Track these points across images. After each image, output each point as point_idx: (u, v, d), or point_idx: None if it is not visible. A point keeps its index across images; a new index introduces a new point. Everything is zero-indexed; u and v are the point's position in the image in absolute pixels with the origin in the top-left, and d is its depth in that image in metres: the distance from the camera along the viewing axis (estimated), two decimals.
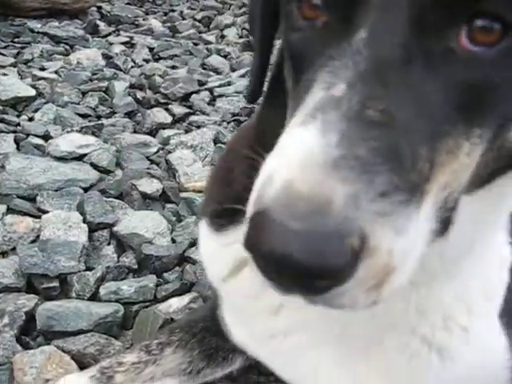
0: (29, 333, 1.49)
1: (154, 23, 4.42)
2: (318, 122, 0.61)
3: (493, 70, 0.66)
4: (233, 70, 3.55)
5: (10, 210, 1.89)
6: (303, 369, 1.08)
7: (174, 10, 4.85)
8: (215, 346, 1.32)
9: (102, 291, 1.59)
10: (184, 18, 4.64)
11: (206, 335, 1.32)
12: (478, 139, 0.68)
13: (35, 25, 3.84)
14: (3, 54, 3.28)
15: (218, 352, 1.33)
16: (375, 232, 0.57)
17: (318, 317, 1.00)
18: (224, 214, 1.05)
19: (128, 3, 4.87)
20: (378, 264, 0.58)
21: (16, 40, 3.56)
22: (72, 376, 1.23)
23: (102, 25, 4.13)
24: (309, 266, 0.55)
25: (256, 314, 1.08)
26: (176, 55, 3.70)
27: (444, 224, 0.70)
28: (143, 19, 4.53)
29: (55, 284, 1.61)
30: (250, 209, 0.62)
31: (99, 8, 4.51)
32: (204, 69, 3.52)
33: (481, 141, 0.68)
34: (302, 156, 0.59)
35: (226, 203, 1.04)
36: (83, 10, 4.28)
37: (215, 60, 3.60)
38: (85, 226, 1.80)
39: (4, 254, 1.73)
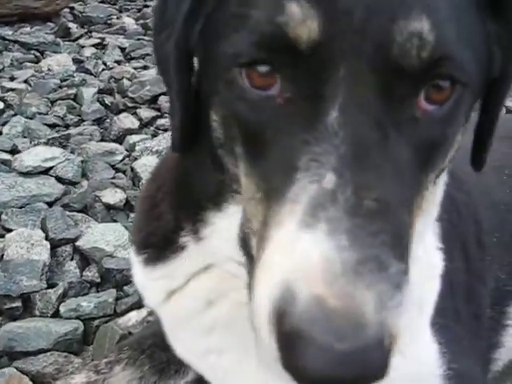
0: None
1: (128, 21, 4.41)
2: (322, 224, 0.60)
3: (445, 124, 0.72)
4: None
5: None
6: None
7: (147, 6, 4.82)
8: (166, 360, 1.37)
9: (62, 309, 1.64)
10: None
11: (156, 350, 1.37)
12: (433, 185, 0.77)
13: (6, 32, 3.85)
14: None
15: (169, 366, 1.38)
16: (398, 324, 0.60)
17: (247, 336, 1.04)
18: (151, 247, 1.09)
19: (102, 1, 4.86)
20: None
21: None
22: None
23: (74, 27, 4.13)
24: (356, 379, 0.58)
25: (190, 334, 1.13)
26: (148, 54, 3.70)
27: None
28: (117, 18, 4.51)
29: (18, 304, 1.65)
30: (270, 325, 0.61)
31: (72, 9, 4.50)
32: None
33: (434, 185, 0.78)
34: (320, 266, 0.58)
35: (153, 238, 1.09)
36: (55, 12, 4.27)
37: None
38: (47, 243, 1.84)
39: None
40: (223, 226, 0.93)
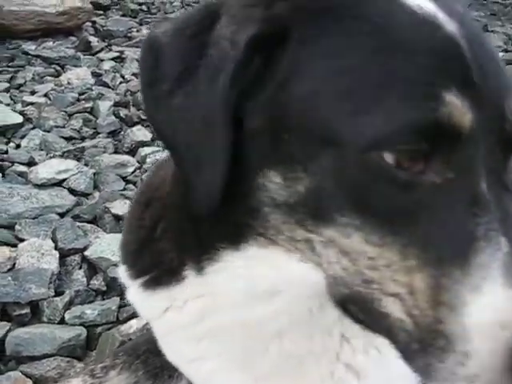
0: (2, 358, 1.64)
1: (147, 34, 4.52)
2: None
3: None
4: None
5: None
6: None
7: (167, 19, 4.94)
8: (160, 366, 1.43)
9: (67, 316, 1.73)
10: None
11: (150, 356, 1.43)
12: None
13: (30, 47, 3.99)
14: None
15: (163, 371, 1.44)
16: None
17: (231, 347, 1.10)
18: (149, 275, 1.10)
19: (123, 15, 5.00)
20: None
21: (10, 64, 3.71)
22: None
23: (95, 41, 4.26)
24: None
25: (180, 342, 1.19)
26: None
27: None
28: (137, 30, 4.63)
29: (26, 311, 1.75)
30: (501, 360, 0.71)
31: (93, 23, 4.64)
32: None
33: None
34: None
35: (152, 268, 1.10)
36: (77, 26, 4.41)
37: None
38: (56, 252, 1.94)
39: None
40: (237, 264, 0.95)
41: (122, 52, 4.02)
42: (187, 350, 1.18)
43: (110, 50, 4.12)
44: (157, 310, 1.14)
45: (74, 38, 4.29)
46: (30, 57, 3.81)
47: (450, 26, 0.80)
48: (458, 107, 0.74)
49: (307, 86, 0.80)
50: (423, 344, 0.75)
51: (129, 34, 4.49)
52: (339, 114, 0.77)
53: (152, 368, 1.44)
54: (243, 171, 0.85)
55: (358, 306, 0.83)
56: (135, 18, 4.97)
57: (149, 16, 5.04)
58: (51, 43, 4.08)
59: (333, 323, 0.99)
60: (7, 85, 3.39)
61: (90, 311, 1.73)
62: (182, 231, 1.03)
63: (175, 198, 1.03)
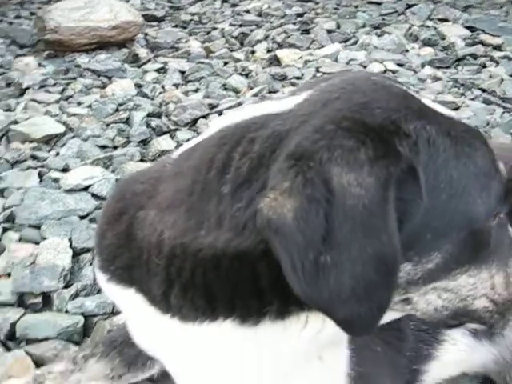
0: (13, 339, 1.94)
1: (193, 44, 4.79)
2: None
3: None
4: (250, 88, 3.86)
5: (21, 240, 2.38)
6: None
7: (215, 28, 5.20)
8: (134, 355, 1.62)
9: (70, 306, 2.00)
10: (223, 36, 4.99)
11: (125, 347, 1.63)
12: None
13: (83, 59, 4.36)
14: (50, 92, 3.82)
15: (137, 359, 1.63)
16: None
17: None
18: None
19: (175, 26, 5.31)
20: None
21: (64, 77, 4.09)
22: (12, 380, 1.63)
23: (143, 52, 4.58)
24: None
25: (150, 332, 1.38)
26: (203, 77, 4.06)
27: None
28: (185, 41, 4.93)
29: (38, 300, 2.04)
30: None
31: (146, 35, 4.98)
32: (225, 89, 3.87)
33: None
34: None
35: (129, 263, 1.17)
36: (129, 39, 4.75)
37: (234, 80, 3.93)
38: (70, 250, 2.23)
39: (8, 275, 2.19)
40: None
41: (166, 63, 4.31)
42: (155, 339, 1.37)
43: (156, 61, 4.43)
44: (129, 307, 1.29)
45: (125, 50, 4.64)
46: (81, 69, 4.18)
47: None
48: None
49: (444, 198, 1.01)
50: (502, 314, 1.16)
51: (176, 45, 4.78)
52: (472, 206, 1.03)
53: (127, 357, 1.64)
54: None
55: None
56: (185, 28, 5.26)
57: (199, 26, 5.31)
58: (103, 56, 4.44)
59: None
60: (58, 96, 3.76)
61: (90, 303, 2.00)
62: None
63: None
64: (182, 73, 4.17)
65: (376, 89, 1.05)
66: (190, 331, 1.08)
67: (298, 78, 3.93)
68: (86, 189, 2.66)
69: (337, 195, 0.84)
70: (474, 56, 4.32)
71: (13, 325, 1.93)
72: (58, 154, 3.05)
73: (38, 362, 1.80)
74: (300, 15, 5.48)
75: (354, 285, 0.85)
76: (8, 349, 1.89)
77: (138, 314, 1.25)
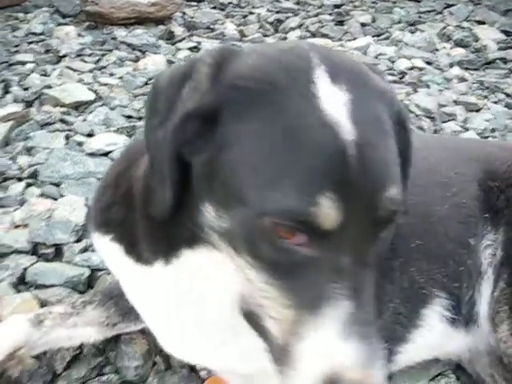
0: (23, 283, 2.09)
1: (229, 27, 4.91)
2: (355, 337, 0.96)
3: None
4: None
5: (42, 195, 2.54)
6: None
7: (252, 13, 5.31)
8: (128, 308, 1.68)
9: (78, 258, 2.15)
10: (259, 21, 5.08)
11: (120, 300, 1.73)
12: None
13: (121, 33, 4.52)
14: (85, 61, 3.98)
15: (131, 312, 1.73)
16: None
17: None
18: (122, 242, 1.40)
19: (213, 7, 5.43)
20: None
21: (100, 48, 4.25)
22: (17, 316, 1.77)
23: (179, 31, 4.71)
24: None
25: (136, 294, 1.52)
26: None
27: None
28: (221, 23, 5.04)
29: (51, 250, 2.20)
30: None
31: (184, 14, 5.10)
32: None
33: None
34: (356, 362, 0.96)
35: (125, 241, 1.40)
36: (167, 16, 4.89)
37: None
38: (85, 209, 2.38)
39: (25, 226, 2.35)
40: (194, 261, 1.26)
41: (199, 43, 4.44)
42: (140, 301, 1.51)
43: (190, 40, 4.55)
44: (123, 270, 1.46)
45: (162, 27, 4.78)
46: (117, 42, 4.33)
47: (346, 132, 0.96)
48: (326, 210, 0.94)
49: (232, 156, 1.01)
50: (282, 355, 1.03)
51: (211, 26, 4.90)
52: (249, 184, 0.99)
53: (122, 308, 1.76)
54: (193, 196, 1.12)
55: (253, 320, 1.14)
56: (223, 10, 5.37)
57: (236, 10, 5.43)
58: (140, 31, 4.58)
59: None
60: (93, 66, 3.92)
61: (96, 258, 2.13)
62: (152, 226, 1.28)
63: (145, 194, 1.27)
64: None
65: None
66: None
67: None
68: (106, 154, 2.81)
69: None
70: (504, 60, 4.34)
71: (24, 270, 2.09)
72: (85, 119, 3.20)
73: (43, 305, 1.95)
74: (337, 6, 5.53)
75: None
76: (18, 291, 2.04)
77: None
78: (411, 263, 1.67)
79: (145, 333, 1.82)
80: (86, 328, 1.77)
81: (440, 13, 5.49)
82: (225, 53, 1.10)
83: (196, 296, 1.31)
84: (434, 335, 1.73)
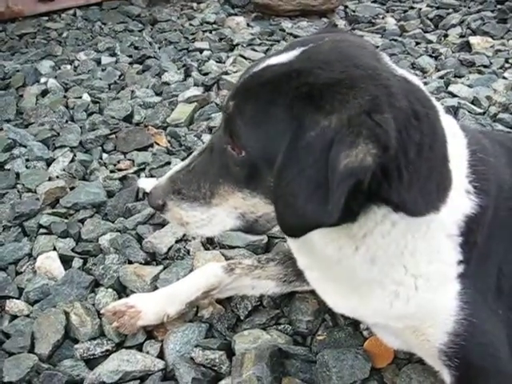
0: (212, 243, 2.47)
1: (389, 21, 5.06)
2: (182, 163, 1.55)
3: (237, 164, 1.41)
4: (437, 70, 4.07)
5: None
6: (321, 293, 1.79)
7: (413, 8, 5.40)
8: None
9: None
10: (419, 17, 5.18)
11: None
12: (249, 194, 1.40)
13: (287, 25, 4.85)
14: (256, 51, 4.35)
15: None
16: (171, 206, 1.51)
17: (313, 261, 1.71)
18: None
19: (374, 1, 5.59)
20: (173, 217, 1.50)
21: (269, 38, 4.60)
22: (212, 263, 2.14)
23: (342, 24, 4.95)
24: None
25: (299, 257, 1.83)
26: (394, 54, 4.33)
27: (252, 227, 1.53)
28: (382, 17, 5.20)
29: None
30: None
31: (346, 7, 5.33)
32: (413, 68, 4.12)
33: (252, 195, 1.40)
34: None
35: None
36: (330, 10, 5.15)
37: (423, 60, 4.15)
38: None
39: None
40: None
41: (361, 36, 4.64)
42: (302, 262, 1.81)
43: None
44: None
45: (325, 20, 5.04)
46: (285, 33, 4.66)
47: (255, 69, 1.37)
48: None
49: None
50: None
51: (373, 20, 5.08)
52: None
53: (298, 269, 2.06)
54: None
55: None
56: (384, 4, 5.52)
57: (397, 4, 5.54)
58: (305, 23, 4.88)
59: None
60: (262, 55, 4.27)
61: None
62: None
63: None
64: (375, 48, 4.44)
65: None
66: None
67: (485, 67, 4.05)
68: None
69: None
70: None
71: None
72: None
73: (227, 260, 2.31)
74: (500, 3, 5.45)
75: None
76: (207, 249, 2.42)
77: None
78: None
79: (316, 294, 2.10)
80: (267, 281, 2.09)
81: None
82: None
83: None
84: None
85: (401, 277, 1.50)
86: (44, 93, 3.82)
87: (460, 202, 1.46)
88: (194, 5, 5.73)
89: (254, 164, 1.33)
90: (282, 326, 2.05)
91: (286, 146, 1.24)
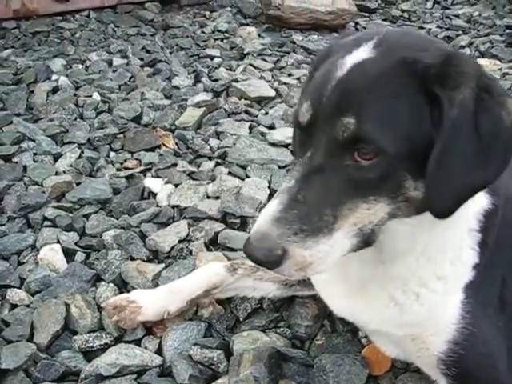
0: (214, 244, 2.49)
1: None
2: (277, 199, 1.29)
3: (369, 171, 1.32)
4: None
5: (230, 173, 2.94)
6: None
7: (423, 28, 5.45)
8: None
9: None
10: None
11: None
12: (375, 200, 1.30)
13: (298, 37, 4.90)
14: (266, 61, 4.40)
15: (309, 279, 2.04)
16: (293, 250, 1.25)
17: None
18: None
19: (385, 19, 5.65)
20: (294, 264, 1.27)
21: (279, 49, 4.65)
22: (214, 263, 2.16)
23: None
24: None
25: None
26: None
27: (366, 240, 1.35)
28: None
29: (237, 221, 2.57)
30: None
31: (356, 24, 5.38)
32: None
33: (377, 201, 1.30)
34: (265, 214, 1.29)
35: None
36: (341, 25, 5.20)
37: None
38: (268, 190, 2.74)
39: (217, 198, 2.76)
40: None
41: None
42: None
43: None
44: None
45: (335, 35, 5.09)
46: (295, 45, 4.71)
47: (337, 75, 1.29)
48: (302, 109, 1.33)
49: None
50: None
51: None
52: None
53: None
54: None
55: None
56: (394, 23, 5.58)
57: (407, 23, 5.60)
58: (315, 36, 4.93)
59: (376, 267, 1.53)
60: (272, 66, 4.32)
61: None
62: None
63: None
64: None
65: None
66: None
67: None
68: (287, 146, 3.16)
69: None
70: None
71: (216, 234, 2.48)
72: (266, 113, 3.59)
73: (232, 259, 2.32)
74: (509, 27, 5.52)
75: None
76: (209, 250, 2.43)
77: None
78: None
79: (316, 299, 2.11)
80: (268, 283, 2.09)
81: None
82: None
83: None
84: None
85: (428, 277, 1.51)
86: (55, 90, 3.85)
87: (479, 195, 1.45)
88: (207, 13, 5.79)
89: (390, 163, 1.27)
90: (281, 330, 2.05)
91: (431, 132, 1.26)
